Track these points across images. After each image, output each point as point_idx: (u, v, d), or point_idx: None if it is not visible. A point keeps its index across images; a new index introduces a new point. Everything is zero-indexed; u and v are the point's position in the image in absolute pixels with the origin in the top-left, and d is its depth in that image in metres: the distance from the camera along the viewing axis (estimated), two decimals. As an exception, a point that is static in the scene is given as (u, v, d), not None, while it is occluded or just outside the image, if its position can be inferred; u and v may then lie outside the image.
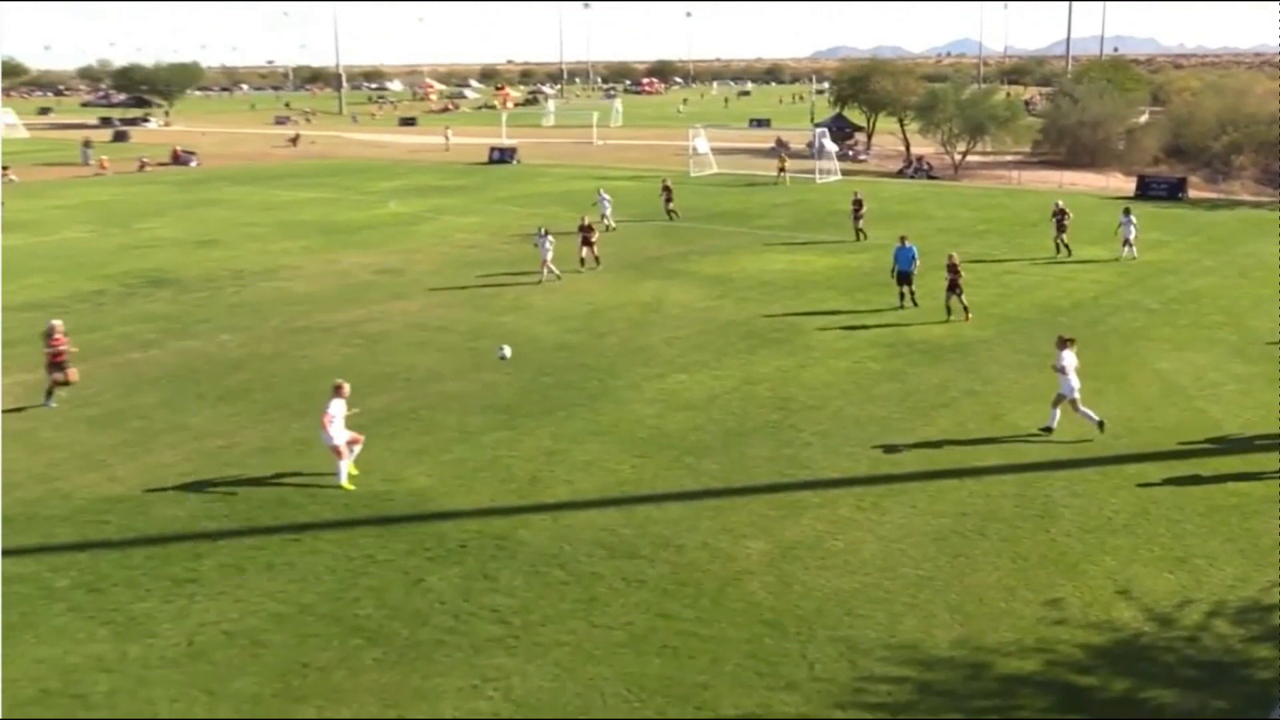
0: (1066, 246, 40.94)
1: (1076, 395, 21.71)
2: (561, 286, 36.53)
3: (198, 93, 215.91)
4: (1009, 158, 77.41)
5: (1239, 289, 35.50)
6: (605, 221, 47.93)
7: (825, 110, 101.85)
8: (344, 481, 19.79)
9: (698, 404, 24.19)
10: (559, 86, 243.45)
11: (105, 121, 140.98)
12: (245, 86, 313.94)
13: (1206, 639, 14.60)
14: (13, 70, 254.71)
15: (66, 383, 24.92)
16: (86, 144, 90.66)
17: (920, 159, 74.51)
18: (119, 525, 18.35)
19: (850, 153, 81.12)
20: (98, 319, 33.37)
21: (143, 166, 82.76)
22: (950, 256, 31.69)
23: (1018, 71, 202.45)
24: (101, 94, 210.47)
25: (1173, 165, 69.25)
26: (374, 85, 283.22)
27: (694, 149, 75.54)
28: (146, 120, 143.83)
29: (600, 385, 25.70)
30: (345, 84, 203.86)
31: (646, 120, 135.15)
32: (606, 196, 49.39)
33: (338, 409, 19.84)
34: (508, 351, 25.03)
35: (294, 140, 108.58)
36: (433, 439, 22.17)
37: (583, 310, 33.38)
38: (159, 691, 13.60)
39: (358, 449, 20.45)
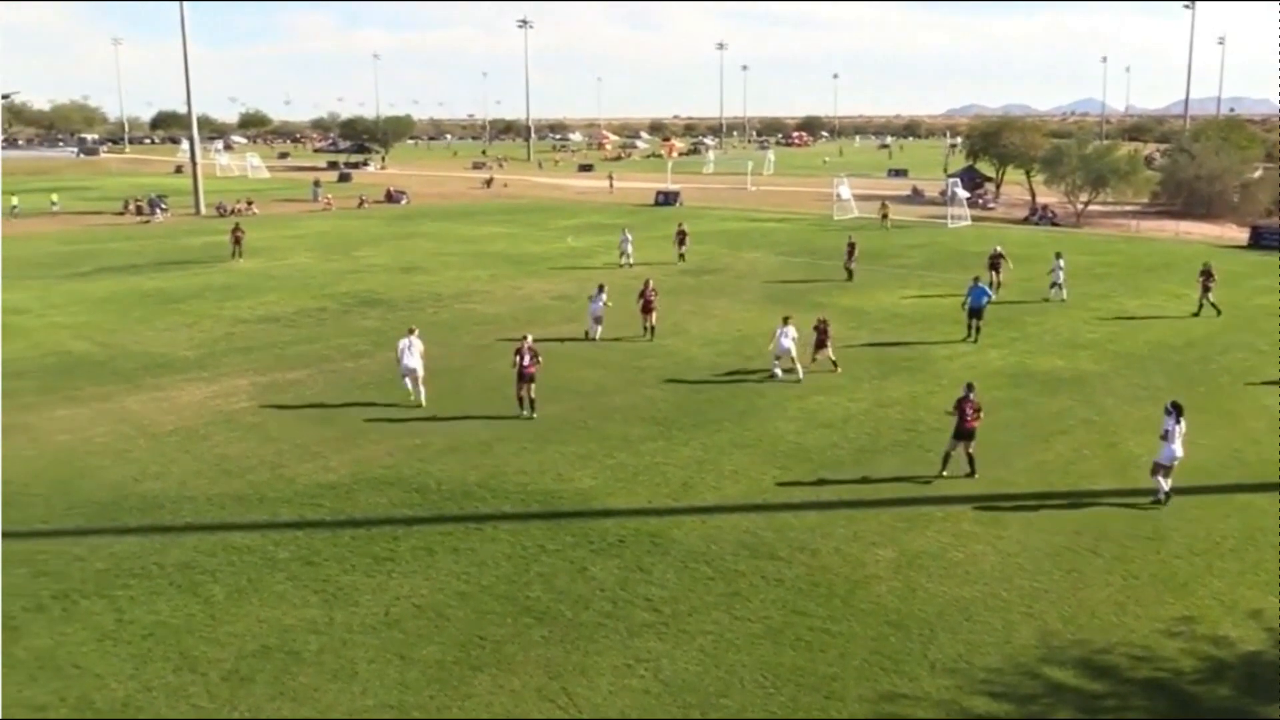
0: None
1: None
2: (715, 313, 36.42)
3: (410, 141, 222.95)
4: (1128, 208, 74.44)
5: (1350, 334, 33.32)
6: (626, 259, 47.90)
7: (959, 162, 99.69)
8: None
9: (834, 423, 23.83)
10: (719, 138, 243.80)
11: (332, 165, 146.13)
12: (449, 136, 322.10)
13: (1312, 662, 13.70)
14: (258, 121, 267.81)
15: (531, 401, 24.11)
16: (316, 184, 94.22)
17: (1045, 207, 72.17)
18: (331, 508, 18.96)
19: (980, 201, 79.06)
20: (319, 332, 34.61)
21: (362, 203, 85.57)
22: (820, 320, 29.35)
23: (1138, 129, 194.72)
24: (330, 141, 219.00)
25: (1286, 218, 65.58)
26: (558, 136, 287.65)
27: (838, 195, 74.68)
28: (366, 164, 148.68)
29: (747, 403, 25.53)
30: (533, 135, 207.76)
31: (795, 169, 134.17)
32: (628, 235, 49.28)
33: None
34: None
35: (488, 183, 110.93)
36: (598, 445, 22.32)
37: (733, 336, 33.24)
38: (359, 653, 13.96)
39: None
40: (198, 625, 14.73)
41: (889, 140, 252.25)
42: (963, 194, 70.48)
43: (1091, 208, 71.81)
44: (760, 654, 13.87)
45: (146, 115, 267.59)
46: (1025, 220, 70.53)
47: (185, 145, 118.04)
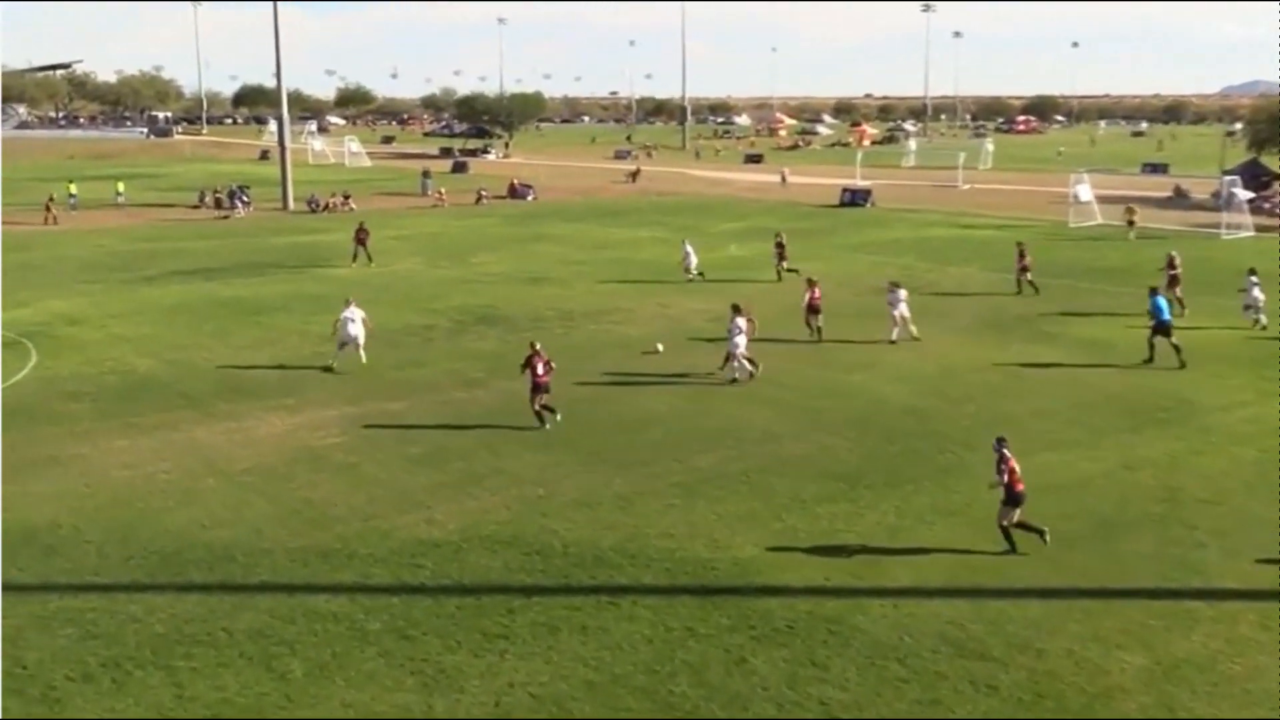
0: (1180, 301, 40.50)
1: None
2: (915, 345, 35.95)
3: (539, 124, 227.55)
4: None
5: None
6: (689, 273, 49.38)
7: (1238, 155, 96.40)
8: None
9: (1067, 487, 23.16)
10: (922, 124, 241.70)
11: (445, 152, 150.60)
12: (587, 118, 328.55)
13: None
14: (359, 98, 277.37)
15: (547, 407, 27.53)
16: (426, 174, 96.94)
17: (1356, 215, 69.05)
18: (434, 571, 19.28)
19: (1267, 204, 76.09)
20: (426, 354, 35.39)
21: (480, 199, 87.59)
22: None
23: None
24: (443, 124, 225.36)
25: None
26: (720, 119, 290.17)
27: (1075, 196, 72.98)
28: (486, 151, 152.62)
29: (954, 458, 25.04)
30: (690, 117, 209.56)
31: (1020, 163, 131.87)
32: (690, 248, 50.28)
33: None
34: (660, 347, 35.00)
35: (633, 175, 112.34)
36: (763, 505, 22.19)
37: (936, 372, 32.72)
38: (462, 752, 14.09)
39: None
40: (270, 707, 15.12)
41: (1143, 126, 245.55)
42: (1243, 196, 67.96)
43: None
44: (967, 781, 13.49)
45: (229, 90, 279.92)
46: (1327, 231, 67.60)
47: (273, 126, 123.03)
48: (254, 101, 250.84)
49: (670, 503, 22.30)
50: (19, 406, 29.13)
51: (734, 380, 31.33)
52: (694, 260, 49.93)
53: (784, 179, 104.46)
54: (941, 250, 58.73)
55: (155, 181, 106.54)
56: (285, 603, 18.07)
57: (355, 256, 53.82)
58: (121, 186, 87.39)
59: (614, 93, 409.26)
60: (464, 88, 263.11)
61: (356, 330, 33.06)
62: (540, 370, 27.10)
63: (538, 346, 27.80)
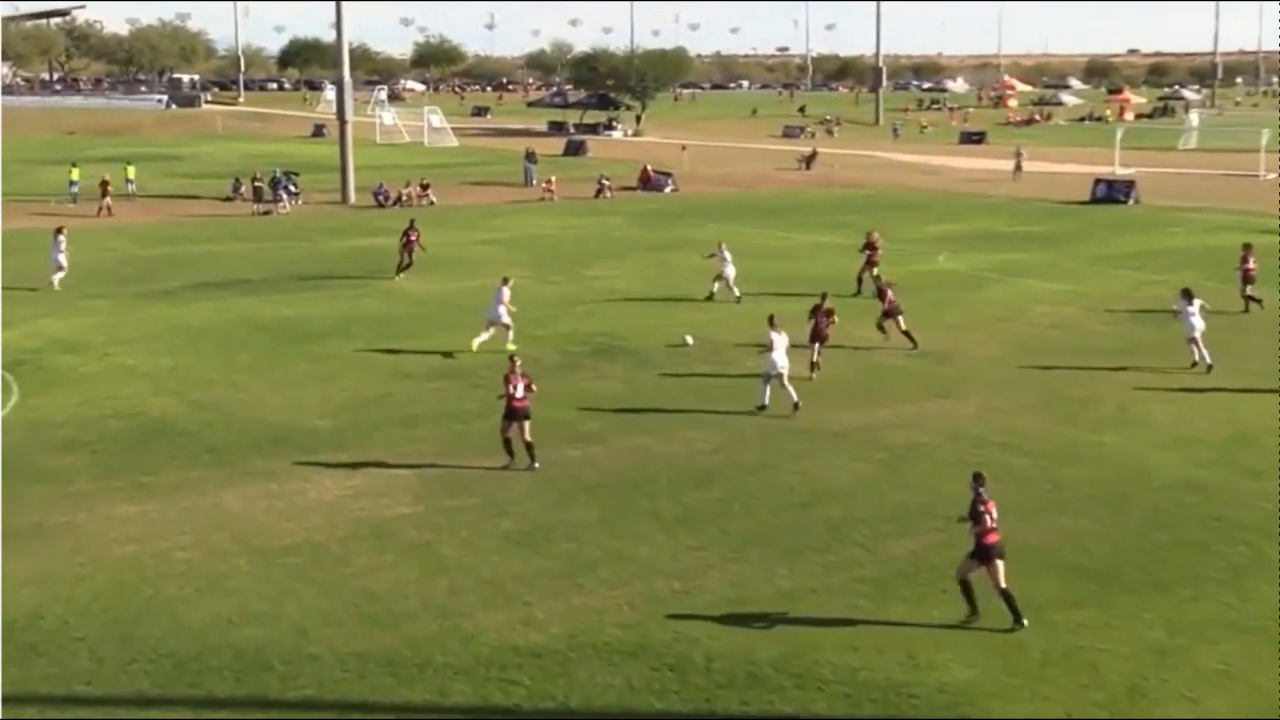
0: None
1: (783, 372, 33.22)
2: (1194, 395, 35.28)
3: (683, 91, 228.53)
4: None
5: None
6: (721, 284, 49.72)
7: None
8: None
9: None
10: (1208, 90, 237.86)
11: (556, 128, 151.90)
12: (745, 83, 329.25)
13: None
14: (444, 57, 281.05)
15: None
16: (530, 157, 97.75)
17: None
18: (532, 689, 19.29)
19: None
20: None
21: (601, 190, 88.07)
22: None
23: None
24: (554, 91, 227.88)
25: None
26: (926, 84, 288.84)
27: None
28: (610, 128, 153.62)
29: (1250, 553, 24.49)
30: (885, 82, 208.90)
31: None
32: (727, 254, 50.02)
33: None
34: (690, 340, 41.01)
35: (808, 160, 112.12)
36: (981, 609, 21.91)
37: (1224, 432, 32.08)
38: None
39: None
40: None
41: None
42: None
43: None
44: None
45: (273, 46, 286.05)
46: None
47: (330, 93, 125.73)
48: (306, 61, 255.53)
49: (853, 604, 22.13)
50: (-3, 459, 29.86)
51: (761, 407, 33.79)
52: (732, 273, 49.83)
53: (1019, 165, 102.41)
54: (1234, 264, 57.53)
55: (177, 165, 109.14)
56: (336, 726, 18.28)
57: (401, 264, 54.18)
58: (132, 172, 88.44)
59: (783, 49, 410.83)
60: (582, 42, 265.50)
61: (498, 314, 40.36)
62: (518, 392, 28.81)
63: (517, 363, 29.95)
